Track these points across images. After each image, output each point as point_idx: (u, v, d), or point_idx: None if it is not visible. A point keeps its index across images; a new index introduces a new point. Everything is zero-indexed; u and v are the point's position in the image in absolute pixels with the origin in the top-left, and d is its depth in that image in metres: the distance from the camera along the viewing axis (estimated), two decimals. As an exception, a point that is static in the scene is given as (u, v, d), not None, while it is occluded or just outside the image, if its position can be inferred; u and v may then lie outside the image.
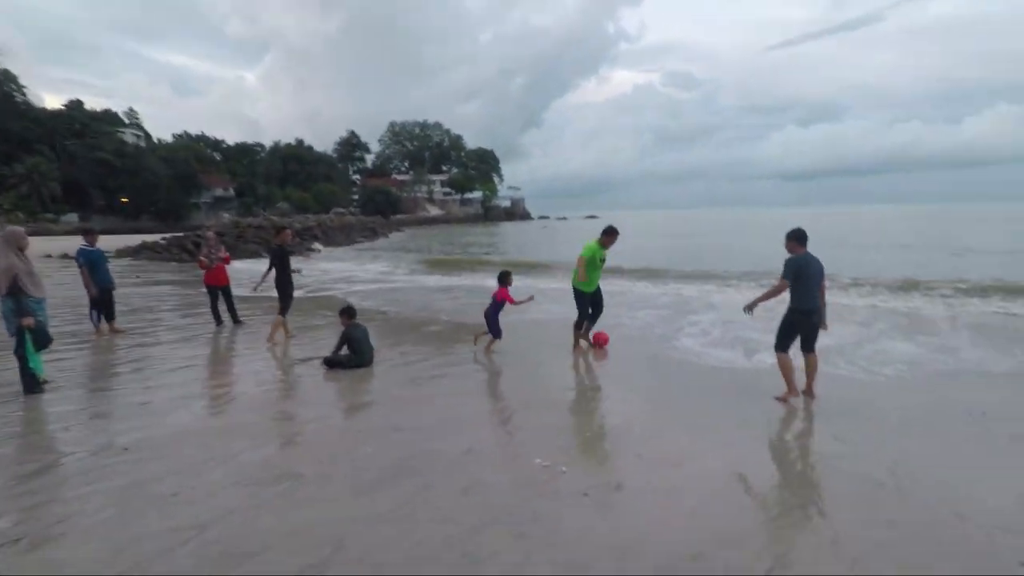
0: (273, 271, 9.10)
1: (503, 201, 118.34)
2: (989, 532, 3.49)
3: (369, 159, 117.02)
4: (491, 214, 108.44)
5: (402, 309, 12.84)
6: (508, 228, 71.25)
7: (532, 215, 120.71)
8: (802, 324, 5.91)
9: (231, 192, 79.09)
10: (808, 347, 6.01)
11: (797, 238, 5.89)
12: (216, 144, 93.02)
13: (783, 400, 5.95)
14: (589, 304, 8.16)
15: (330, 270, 22.97)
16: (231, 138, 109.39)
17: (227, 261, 11.16)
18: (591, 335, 8.40)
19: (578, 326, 8.31)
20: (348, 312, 7.82)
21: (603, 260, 8.14)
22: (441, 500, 3.92)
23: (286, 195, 79.06)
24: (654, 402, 6.09)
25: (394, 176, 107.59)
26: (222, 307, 11.03)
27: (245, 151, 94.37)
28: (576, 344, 8.33)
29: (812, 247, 6.02)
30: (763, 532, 3.51)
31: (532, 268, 20.22)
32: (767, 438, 5.05)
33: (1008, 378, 6.87)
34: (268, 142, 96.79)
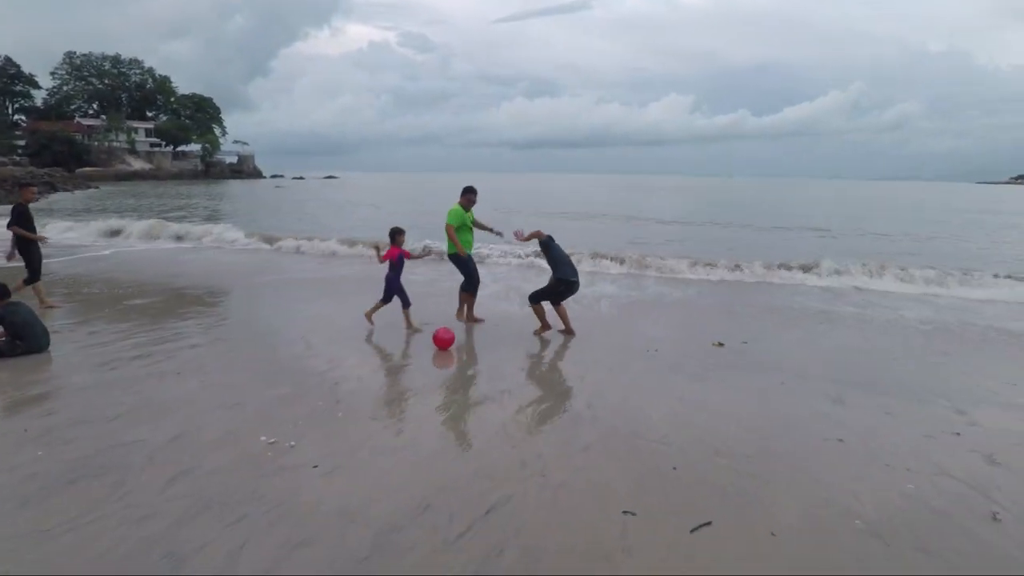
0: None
1: (228, 156, 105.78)
2: (653, 445, 4.32)
3: (39, 96, 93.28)
4: (214, 170, 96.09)
5: (97, 281, 10.75)
6: (236, 187, 64.01)
7: (264, 173, 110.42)
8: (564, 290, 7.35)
9: None
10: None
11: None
12: None
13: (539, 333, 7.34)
14: (473, 266, 7.80)
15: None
16: None
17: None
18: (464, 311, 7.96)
19: (465, 289, 7.88)
20: None
21: (473, 221, 7.84)
22: (138, 497, 3.43)
23: (-93, 135, 59.48)
24: (387, 363, 6.16)
25: (78, 120, 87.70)
26: None
27: None
28: (464, 312, 7.94)
29: (551, 221, 6.68)
30: (484, 473, 3.82)
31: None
32: (485, 388, 5.48)
33: (677, 313, 8.53)
34: None
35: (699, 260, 12.96)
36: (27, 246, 8.28)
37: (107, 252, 14.78)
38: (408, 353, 6.53)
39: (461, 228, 7.75)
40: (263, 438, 4.22)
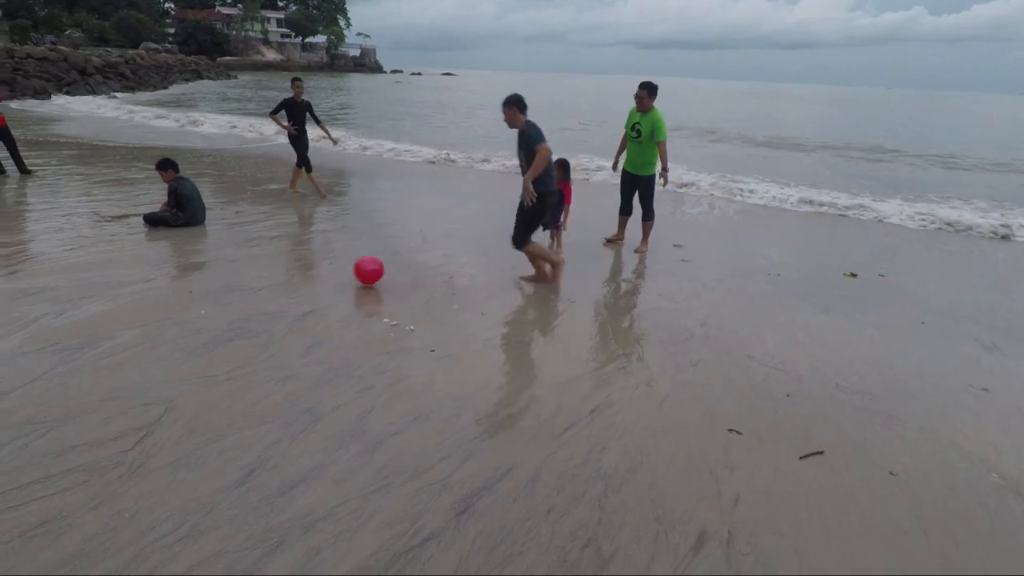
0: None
1: (352, 49, 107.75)
2: (767, 370, 4.21)
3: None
4: (338, 63, 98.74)
5: (239, 164, 11.71)
6: (358, 81, 65.73)
7: (384, 68, 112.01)
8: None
9: (-4, 9, 63.50)
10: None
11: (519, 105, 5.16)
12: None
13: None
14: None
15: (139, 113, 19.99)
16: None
17: (1, 97, 9.27)
18: None
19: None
20: (168, 164, 6.98)
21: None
22: (281, 360, 3.87)
23: (76, 20, 65.35)
24: (502, 265, 6.32)
25: (218, 9, 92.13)
26: (3, 154, 9.30)
27: (11, -45, 74.93)
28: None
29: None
30: (591, 377, 3.93)
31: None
32: (601, 299, 5.51)
33: (803, 237, 8.01)
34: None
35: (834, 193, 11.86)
36: (295, 137, 8.83)
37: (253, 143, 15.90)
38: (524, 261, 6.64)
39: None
40: (386, 320, 4.57)
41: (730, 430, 3.44)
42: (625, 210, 7.24)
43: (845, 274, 6.65)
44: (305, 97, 8.81)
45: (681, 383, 3.94)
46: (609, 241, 7.36)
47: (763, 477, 3.07)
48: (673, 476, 3.03)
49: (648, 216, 7.09)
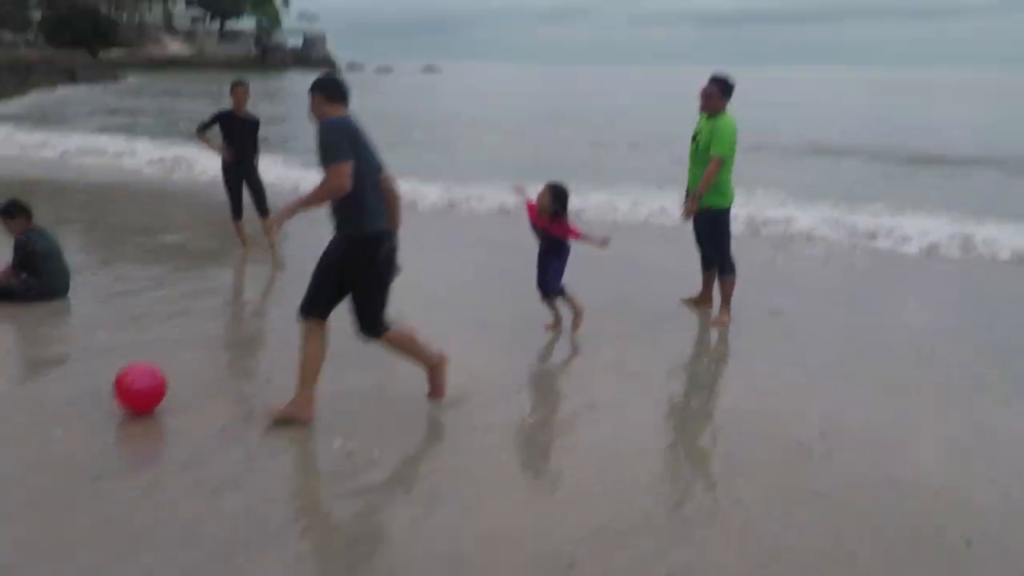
0: None
1: (292, 38, 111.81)
2: (927, 503, 4.02)
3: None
4: (272, 57, 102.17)
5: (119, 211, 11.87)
6: (300, 83, 67.46)
7: (337, 63, 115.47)
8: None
9: None
10: None
11: None
12: None
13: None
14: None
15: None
16: None
17: None
18: None
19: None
20: (19, 210, 7.00)
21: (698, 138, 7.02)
22: (175, 510, 3.71)
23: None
24: (511, 346, 6.21)
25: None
26: None
27: None
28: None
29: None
30: (658, 528, 3.75)
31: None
32: (665, 398, 5.37)
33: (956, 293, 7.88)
34: None
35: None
36: (232, 169, 8.68)
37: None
38: (546, 338, 6.56)
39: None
40: (338, 442, 4.43)
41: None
42: (706, 263, 7.20)
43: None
44: (252, 110, 8.73)
45: (798, 530, 3.75)
46: (690, 301, 7.33)
47: None
48: None
49: (724, 271, 7.02)
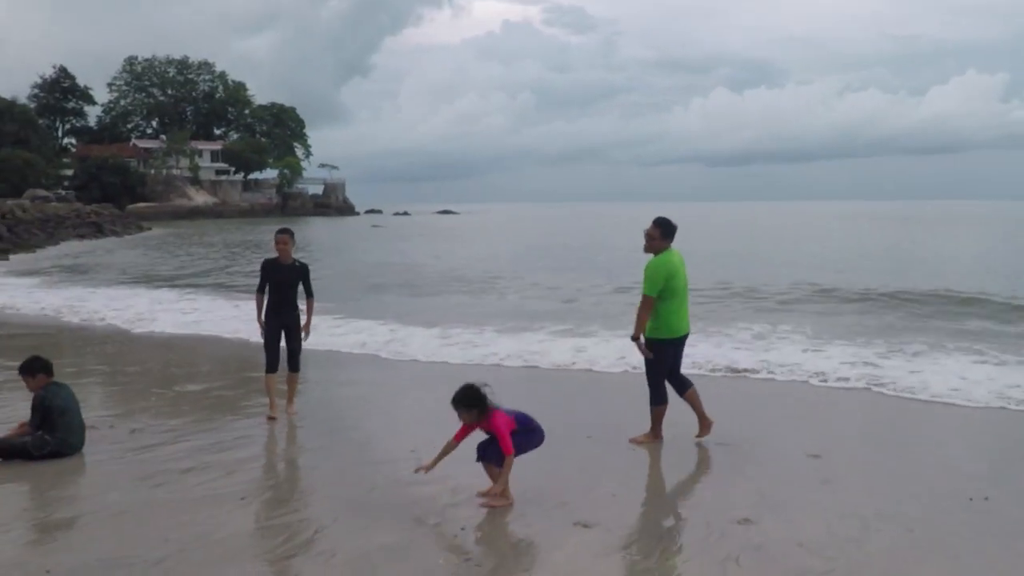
0: None
1: (311, 185, 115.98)
2: None
3: (92, 113, 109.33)
4: (293, 205, 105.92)
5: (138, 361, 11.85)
6: (321, 228, 69.71)
7: (356, 208, 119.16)
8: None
9: None
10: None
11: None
12: None
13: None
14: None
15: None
16: None
17: None
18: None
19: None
20: (39, 367, 6.98)
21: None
22: None
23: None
24: (547, 497, 5.93)
25: (134, 143, 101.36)
26: None
27: None
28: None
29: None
30: None
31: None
32: (704, 549, 5.05)
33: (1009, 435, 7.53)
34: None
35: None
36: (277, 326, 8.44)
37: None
38: (574, 483, 6.28)
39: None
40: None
41: None
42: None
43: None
44: (299, 257, 8.56)
45: None
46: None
47: None
48: None
49: (654, 400, 7.45)
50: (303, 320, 8.47)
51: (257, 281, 8.43)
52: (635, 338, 7.33)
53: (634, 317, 7.39)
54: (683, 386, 7.54)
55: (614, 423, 7.93)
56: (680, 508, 5.76)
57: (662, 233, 7.28)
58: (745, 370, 10.78)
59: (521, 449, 5.76)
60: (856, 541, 5.17)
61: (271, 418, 8.18)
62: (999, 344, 12.29)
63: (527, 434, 5.83)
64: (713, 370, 10.72)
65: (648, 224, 7.44)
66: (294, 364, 8.42)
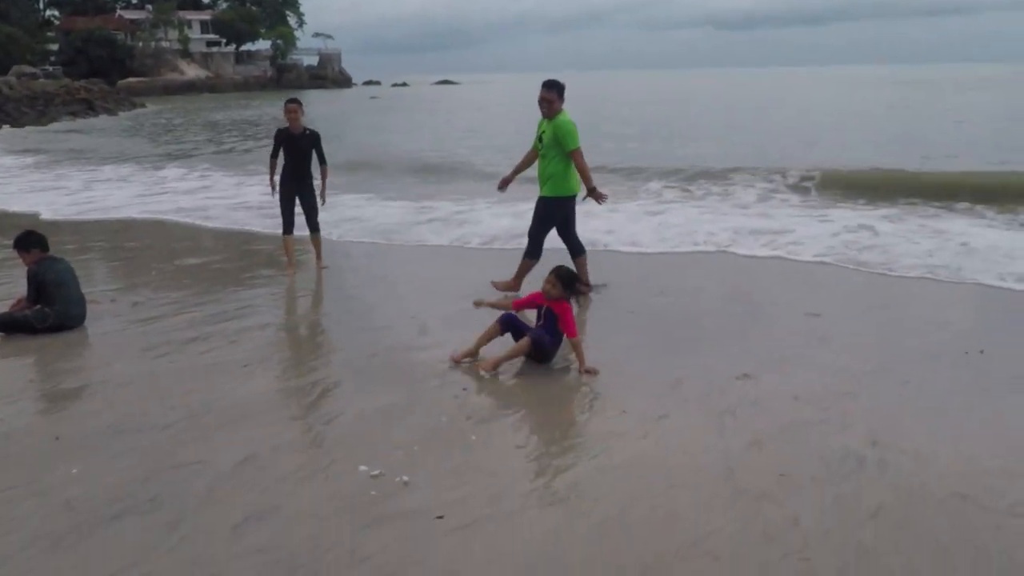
0: None
1: (306, 56, 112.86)
2: (999, 519, 3.76)
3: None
4: (288, 77, 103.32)
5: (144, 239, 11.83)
6: (318, 101, 68.04)
7: (353, 79, 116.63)
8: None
9: None
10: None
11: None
12: None
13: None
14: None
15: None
16: None
17: None
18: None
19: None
20: (34, 242, 6.94)
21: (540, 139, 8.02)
22: (198, 548, 3.55)
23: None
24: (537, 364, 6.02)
25: (120, 14, 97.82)
26: None
27: None
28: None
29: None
30: (707, 550, 3.52)
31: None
32: (705, 404, 5.13)
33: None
34: None
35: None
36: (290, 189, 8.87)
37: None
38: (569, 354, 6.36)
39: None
40: (363, 468, 4.26)
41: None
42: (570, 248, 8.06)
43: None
44: (308, 125, 8.86)
45: (858, 550, 3.51)
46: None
47: None
48: None
49: (528, 254, 7.94)
50: (317, 187, 8.92)
51: (271, 147, 8.84)
52: (592, 188, 7.76)
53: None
54: (577, 251, 7.98)
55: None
56: (683, 367, 5.82)
57: (559, 94, 7.69)
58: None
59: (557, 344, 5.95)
60: (850, 394, 5.28)
61: (290, 274, 8.82)
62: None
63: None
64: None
65: (542, 90, 7.75)
66: (313, 225, 8.93)
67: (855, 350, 6.18)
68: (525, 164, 8.17)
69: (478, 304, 6.36)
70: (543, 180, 7.82)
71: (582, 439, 4.71)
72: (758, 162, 16.84)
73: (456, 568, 3.39)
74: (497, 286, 7.94)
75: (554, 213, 7.83)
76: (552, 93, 7.66)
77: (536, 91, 7.77)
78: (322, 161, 8.90)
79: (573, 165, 7.67)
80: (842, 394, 5.26)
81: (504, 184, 8.25)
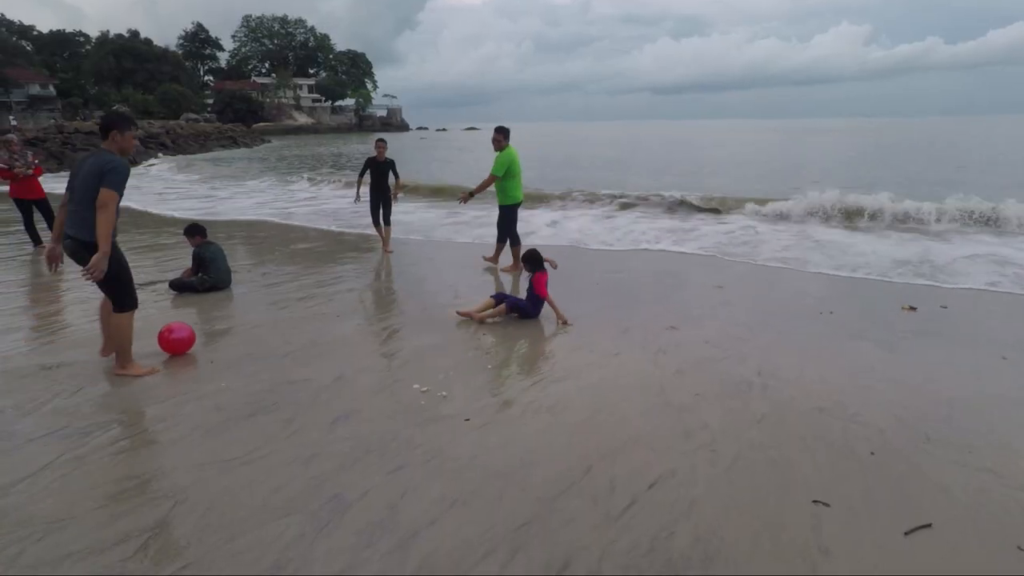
0: None
1: (379, 110, 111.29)
2: (842, 423, 3.69)
3: (222, 59, 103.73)
4: (366, 124, 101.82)
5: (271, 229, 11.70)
6: (387, 139, 67.37)
7: (410, 125, 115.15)
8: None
9: (51, 91, 67.10)
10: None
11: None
12: (23, 30, 77.70)
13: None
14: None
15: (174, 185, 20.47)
16: (43, 24, 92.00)
17: (38, 172, 9.36)
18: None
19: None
20: (197, 230, 6.87)
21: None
22: (305, 436, 3.50)
23: (124, 96, 68.93)
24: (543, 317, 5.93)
25: (254, 79, 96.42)
26: (41, 225, 9.39)
27: (64, 41, 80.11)
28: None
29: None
30: (647, 442, 3.47)
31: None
32: (637, 345, 5.06)
33: (849, 270, 7.46)
34: (93, 32, 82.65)
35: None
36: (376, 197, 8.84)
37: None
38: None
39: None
40: (416, 386, 4.19)
41: (815, 501, 2.93)
42: (501, 240, 7.96)
43: (903, 308, 6.11)
44: (388, 156, 8.90)
45: (748, 444, 3.45)
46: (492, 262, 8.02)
47: (866, 561, 2.55)
48: (758, 563, 2.53)
49: (512, 242, 7.83)
50: (393, 194, 8.99)
51: (360, 168, 8.92)
52: (466, 197, 7.91)
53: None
54: (515, 241, 7.85)
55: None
56: (630, 320, 5.73)
57: (504, 136, 7.54)
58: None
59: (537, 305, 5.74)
60: (743, 339, 5.18)
61: (386, 251, 8.86)
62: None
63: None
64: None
65: (494, 132, 7.64)
66: (387, 220, 8.92)
67: (747, 310, 6.09)
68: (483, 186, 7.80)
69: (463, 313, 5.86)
70: (497, 193, 7.71)
71: (562, 367, 4.62)
72: (681, 189, 16.44)
73: (477, 453, 3.36)
74: (505, 269, 7.79)
75: (508, 213, 7.69)
76: (499, 135, 7.58)
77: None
78: (396, 177, 8.96)
79: (516, 182, 7.57)
80: (738, 339, 5.17)
81: (465, 199, 8.01)
